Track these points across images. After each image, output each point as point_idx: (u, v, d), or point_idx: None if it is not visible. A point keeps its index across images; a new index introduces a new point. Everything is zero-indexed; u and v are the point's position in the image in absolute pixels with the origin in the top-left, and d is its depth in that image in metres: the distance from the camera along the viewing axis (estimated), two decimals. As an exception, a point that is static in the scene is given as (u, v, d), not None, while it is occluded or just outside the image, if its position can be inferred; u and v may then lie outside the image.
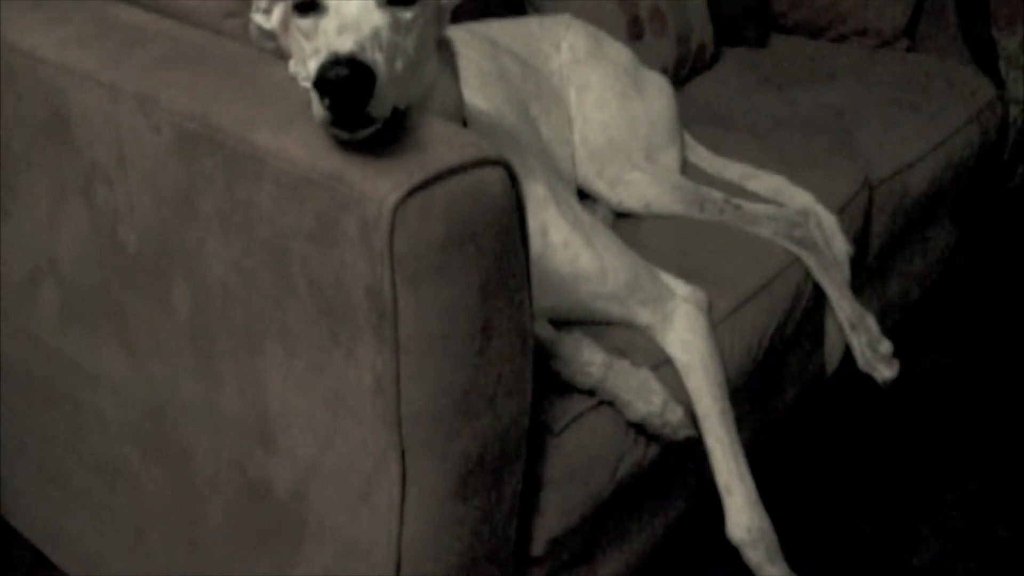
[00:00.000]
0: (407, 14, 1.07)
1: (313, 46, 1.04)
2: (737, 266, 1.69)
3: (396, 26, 1.05)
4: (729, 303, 1.61)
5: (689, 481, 1.61)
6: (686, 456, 1.50)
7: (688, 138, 2.02)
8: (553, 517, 1.32)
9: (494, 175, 1.01)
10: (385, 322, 0.99)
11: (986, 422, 2.30)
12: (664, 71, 2.17)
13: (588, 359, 1.34)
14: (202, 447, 1.26)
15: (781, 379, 1.87)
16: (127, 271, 1.24)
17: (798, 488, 2.00)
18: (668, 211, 1.78)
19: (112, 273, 1.27)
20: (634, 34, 2.14)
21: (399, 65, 1.02)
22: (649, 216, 1.79)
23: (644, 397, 1.38)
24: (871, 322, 1.75)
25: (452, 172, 0.97)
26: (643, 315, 1.47)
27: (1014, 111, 2.65)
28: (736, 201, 1.79)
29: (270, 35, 1.18)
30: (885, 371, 1.73)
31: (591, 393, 1.37)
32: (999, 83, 2.65)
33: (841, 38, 2.75)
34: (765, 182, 1.88)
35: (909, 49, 2.75)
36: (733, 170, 1.92)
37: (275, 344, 1.11)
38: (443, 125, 1.04)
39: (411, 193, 0.94)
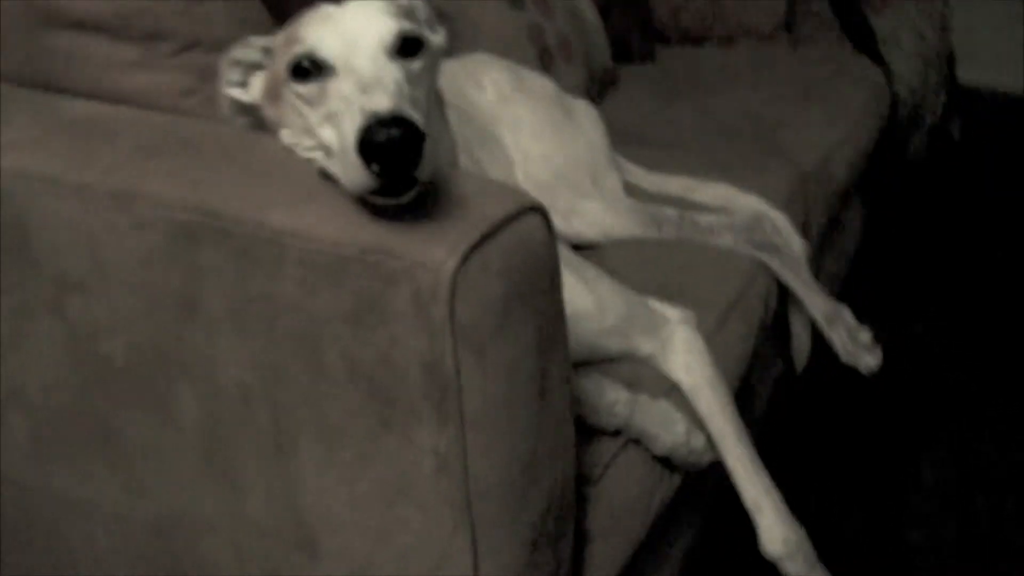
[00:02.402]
0: (416, 64, 1.01)
1: (323, 112, 0.96)
2: (708, 281, 1.67)
3: (410, 78, 0.98)
4: (712, 320, 1.58)
5: (705, 501, 1.57)
6: (704, 478, 1.46)
7: (619, 159, 1.99)
8: (601, 569, 1.25)
9: (536, 222, 0.95)
10: (448, 398, 0.91)
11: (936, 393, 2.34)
12: (576, 96, 2.14)
13: (613, 399, 1.28)
14: (226, 563, 1.15)
15: (751, 384, 1.85)
16: (114, 386, 1.13)
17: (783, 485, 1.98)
18: (627, 235, 1.74)
19: (95, 391, 1.15)
20: (545, 64, 2.11)
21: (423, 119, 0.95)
22: (608, 244, 1.75)
23: (668, 428, 1.33)
24: (847, 313, 1.75)
25: (501, 226, 0.90)
26: (644, 345, 1.43)
27: (900, 88, 2.72)
28: (691, 215, 1.77)
29: (247, 109, 1.09)
30: (869, 360, 1.73)
31: (615, 433, 1.31)
32: (881, 63, 2.73)
33: (725, 40, 2.79)
34: (710, 191, 1.86)
35: (791, 42, 2.80)
36: (674, 184, 1.90)
37: (311, 441, 1.02)
38: (470, 178, 0.98)
39: (468, 255, 0.87)
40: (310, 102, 0.98)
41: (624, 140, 2.13)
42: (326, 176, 0.96)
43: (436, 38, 1.13)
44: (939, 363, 2.40)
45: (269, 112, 1.08)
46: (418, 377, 0.92)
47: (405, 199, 0.88)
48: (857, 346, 1.74)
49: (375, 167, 0.85)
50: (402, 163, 0.85)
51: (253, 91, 1.10)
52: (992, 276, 2.80)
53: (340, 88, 0.94)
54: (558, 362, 1.01)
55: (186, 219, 0.99)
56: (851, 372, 1.78)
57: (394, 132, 0.84)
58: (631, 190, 1.90)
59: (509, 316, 0.91)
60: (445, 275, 0.86)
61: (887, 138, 2.66)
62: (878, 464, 2.12)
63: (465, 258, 0.86)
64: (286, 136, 1.04)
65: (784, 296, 1.82)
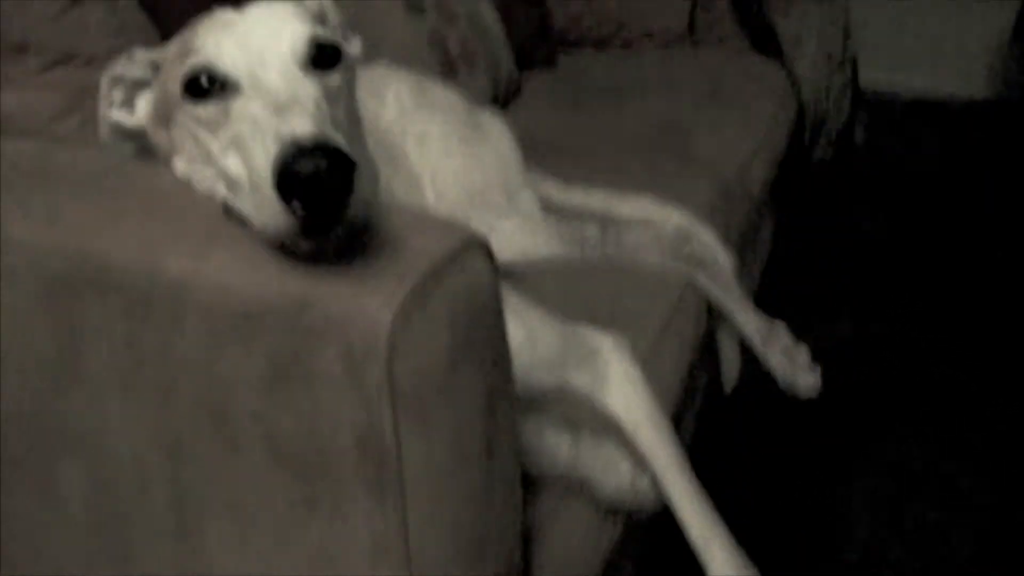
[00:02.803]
0: (334, 78, 0.87)
1: (226, 138, 0.81)
2: (638, 303, 1.56)
3: (328, 95, 0.84)
4: (645, 346, 1.47)
5: (646, 543, 1.46)
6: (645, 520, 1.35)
7: (532, 173, 1.87)
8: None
9: (481, 259, 0.82)
10: (386, 471, 0.78)
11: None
12: (480, 106, 2.02)
13: (554, 443, 1.16)
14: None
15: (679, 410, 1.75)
16: (-15, 464, 0.96)
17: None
18: (548, 256, 1.62)
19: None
20: (448, 73, 1.98)
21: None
22: (528, 266, 1.62)
23: (613, 469, 1.21)
24: (783, 330, 1.66)
25: (443, 267, 0.77)
26: (578, 378, 1.31)
27: (805, 92, 2.67)
28: (614, 231, 1.66)
29: (133, 134, 0.94)
30: (808, 379, 1.64)
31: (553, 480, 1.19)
32: (786, 66, 2.67)
33: (627, 44, 2.70)
34: (633, 205, 1.75)
35: (693, 46, 2.73)
36: (594, 198, 1.79)
37: (220, 523, 0.87)
38: (399, 210, 0.84)
39: (407, 305, 0.73)
40: (209, 126, 0.83)
41: (533, 151, 2.01)
42: (231, 214, 0.82)
43: (352, 48, 1.00)
44: (862, 376, 2.34)
45: (159, 138, 0.93)
46: (349, 450, 0.78)
47: (331, 240, 0.74)
48: (795, 366, 1.65)
49: (296, 205, 0.71)
50: (329, 199, 0.71)
51: (139, 113, 0.95)
52: (905, 284, 2.76)
53: (247, 109, 0.80)
54: (506, 416, 0.89)
55: (62, 269, 0.84)
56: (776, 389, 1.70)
57: (320, 162, 0.70)
58: (547, 206, 1.78)
59: (455, 373, 0.78)
60: (381, 330, 0.72)
61: (794, 143, 2.60)
62: (809, 483, 2.05)
63: (404, 308, 0.73)
64: (180, 166, 0.89)
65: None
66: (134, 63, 0.95)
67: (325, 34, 0.88)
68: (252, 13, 0.89)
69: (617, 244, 1.64)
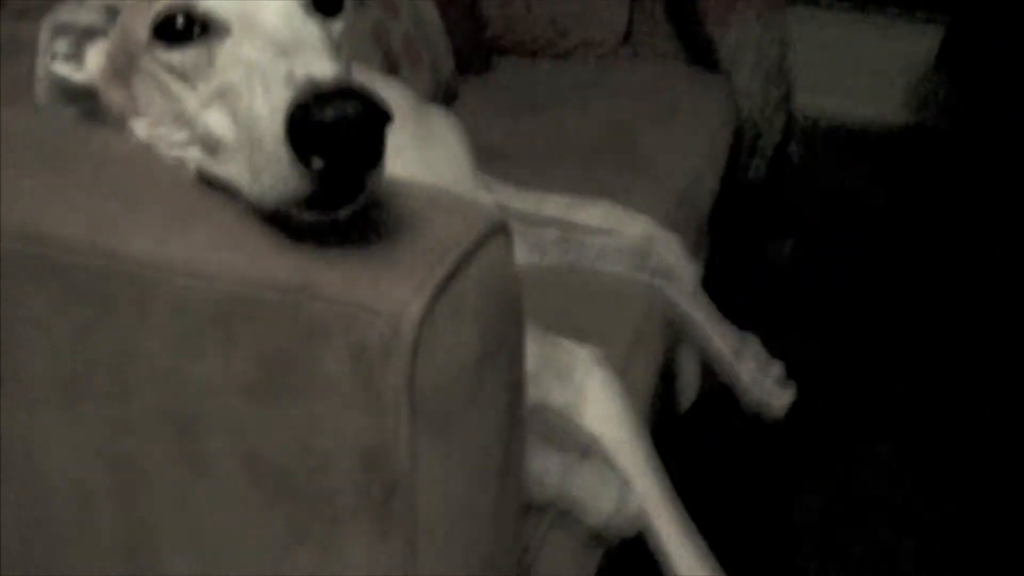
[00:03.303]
0: (338, 26, 0.74)
1: (210, 89, 0.67)
2: (605, 314, 1.45)
3: (333, 46, 0.71)
4: (618, 359, 1.36)
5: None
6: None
7: (485, 177, 1.75)
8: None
9: (505, 247, 0.69)
10: (396, 496, 0.65)
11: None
12: (421, 106, 1.89)
13: (542, 467, 1.04)
14: None
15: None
16: None
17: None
18: (506, 262, 1.50)
19: None
20: (391, 69, 1.85)
21: None
22: (485, 272, 1.50)
23: (601, 493, 1.10)
24: (755, 344, 1.56)
25: (473, 253, 0.64)
26: (557, 393, 1.19)
27: (743, 104, 2.61)
28: (575, 237, 1.55)
29: (79, 93, 0.79)
30: (782, 397, 1.55)
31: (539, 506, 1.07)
32: (725, 79, 2.61)
33: (563, 53, 2.60)
34: (594, 211, 1.64)
35: (630, 56, 2.65)
36: (551, 204, 1.67)
37: (180, 559, 0.72)
38: (412, 185, 0.71)
39: (438, 295, 0.60)
40: (187, 75, 0.69)
41: (481, 154, 1.90)
42: (208, 184, 0.68)
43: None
44: (808, 395, 2.27)
45: (114, 96, 0.78)
46: (352, 470, 0.64)
47: (344, 213, 0.61)
48: (768, 382, 1.55)
49: (317, 162, 0.57)
50: (358, 156, 0.58)
51: (90, 67, 0.80)
52: (847, 307, 2.72)
53: (240, 52, 0.66)
54: (520, 431, 0.76)
55: (5, 248, 0.69)
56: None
57: (348, 107, 0.57)
58: (502, 211, 1.66)
59: (482, 377, 0.65)
60: (406, 324, 0.59)
61: (731, 159, 2.53)
62: (758, 503, 1.96)
63: (433, 299, 0.60)
64: (141, 128, 0.74)
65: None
66: (83, 7, 0.80)
67: None
68: None
69: (579, 251, 1.54)
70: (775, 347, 2.43)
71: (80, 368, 0.69)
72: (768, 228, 3.00)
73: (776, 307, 2.66)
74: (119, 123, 0.77)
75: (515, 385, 0.70)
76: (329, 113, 0.56)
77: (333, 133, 0.57)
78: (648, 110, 2.21)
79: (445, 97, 2.14)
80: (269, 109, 0.59)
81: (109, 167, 0.71)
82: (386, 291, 0.60)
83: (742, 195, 2.75)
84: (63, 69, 0.80)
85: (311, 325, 0.61)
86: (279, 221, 0.62)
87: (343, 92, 0.57)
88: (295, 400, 0.64)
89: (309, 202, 0.59)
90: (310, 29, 0.68)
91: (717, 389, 1.66)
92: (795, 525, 1.94)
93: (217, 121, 0.65)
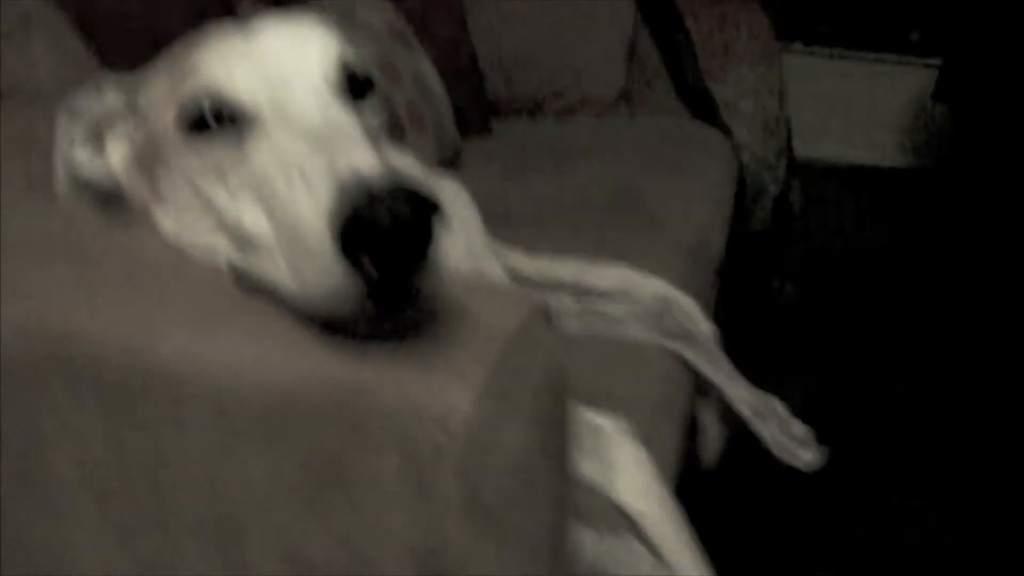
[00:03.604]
0: (368, 112, 0.72)
1: (242, 183, 0.65)
2: (627, 381, 1.42)
3: (366, 132, 0.68)
4: (641, 428, 1.33)
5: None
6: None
7: (496, 243, 1.73)
8: None
9: (550, 331, 0.67)
10: (449, 600, 0.61)
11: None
12: (426, 171, 1.87)
13: (576, 543, 1.00)
14: None
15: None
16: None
17: None
18: (523, 330, 1.47)
19: None
20: (396, 135, 1.84)
21: None
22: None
23: (635, 569, 1.07)
24: (776, 405, 1.54)
25: (521, 343, 0.62)
26: (586, 467, 1.16)
27: (744, 156, 2.61)
28: (590, 304, 1.52)
29: (99, 183, 0.76)
30: (806, 455, 1.52)
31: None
32: (725, 132, 2.61)
33: (562, 112, 2.59)
34: (607, 275, 1.62)
35: (629, 112, 2.64)
36: (564, 268, 1.65)
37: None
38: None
39: (490, 391, 0.58)
40: (216, 169, 0.67)
41: (487, 218, 1.88)
42: (242, 281, 0.65)
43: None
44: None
45: (137, 187, 0.75)
46: (402, 573, 0.61)
47: (408, 317, 0.58)
48: (792, 441, 1.52)
49: (368, 264, 0.55)
50: (413, 256, 0.55)
51: (110, 155, 0.77)
52: (852, 347, 2.69)
53: (274, 144, 0.63)
54: (569, 515, 0.73)
55: (19, 352, 0.66)
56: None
57: (400, 205, 0.54)
58: (514, 277, 1.64)
59: (536, 470, 0.62)
60: (459, 423, 0.57)
61: (735, 211, 2.52)
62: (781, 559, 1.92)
63: (486, 395, 0.57)
64: (167, 219, 0.72)
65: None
66: (103, 94, 0.78)
67: (359, 57, 0.73)
68: (268, 25, 0.73)
69: (594, 316, 1.51)
70: (785, 391, 2.42)
71: (113, 473, 0.66)
72: (771, 273, 2.98)
73: (782, 349, 2.64)
74: (143, 214, 0.74)
75: (565, 472, 0.67)
76: (381, 213, 0.53)
77: (387, 233, 0.54)
78: (652, 166, 2.20)
79: (449, 161, 2.12)
80: (312, 208, 0.56)
81: (137, 262, 0.69)
82: (436, 391, 0.57)
83: (745, 244, 2.73)
84: (82, 155, 0.77)
85: (359, 426, 0.58)
86: (328, 322, 0.59)
87: (392, 187, 0.55)
88: (343, 503, 0.61)
89: (368, 300, 0.56)
90: (344, 115, 0.66)
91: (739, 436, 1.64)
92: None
93: (251, 216, 0.63)
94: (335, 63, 0.70)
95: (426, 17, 2.25)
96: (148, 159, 0.73)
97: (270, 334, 0.61)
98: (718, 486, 1.88)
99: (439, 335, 0.60)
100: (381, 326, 0.58)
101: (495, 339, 0.60)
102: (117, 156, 0.77)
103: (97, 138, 0.78)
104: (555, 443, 0.65)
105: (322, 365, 0.59)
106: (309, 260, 0.56)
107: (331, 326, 0.59)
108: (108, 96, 0.78)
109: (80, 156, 0.77)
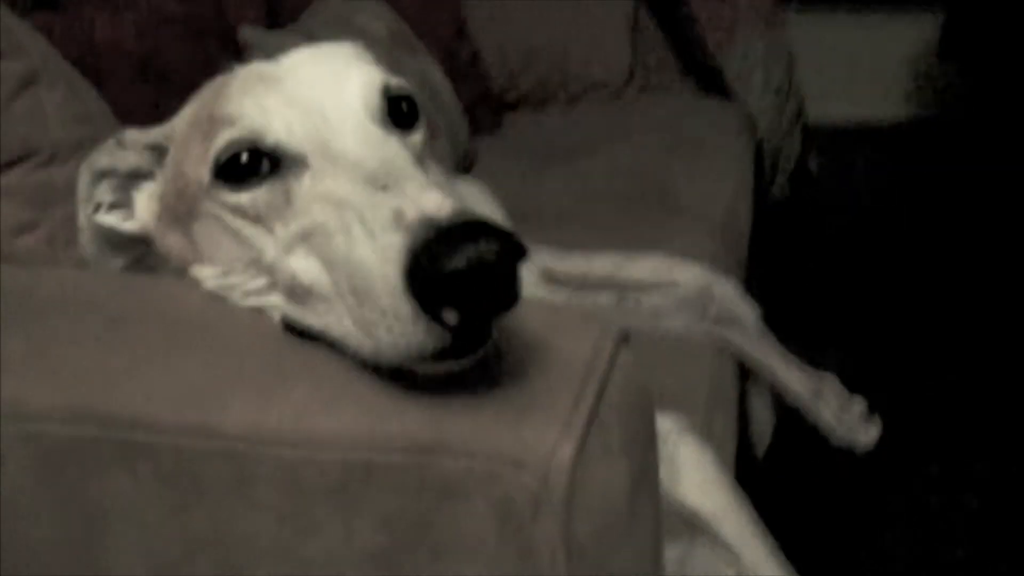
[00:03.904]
0: (416, 138, 0.67)
1: (289, 231, 0.60)
2: (676, 375, 1.37)
3: (416, 162, 0.64)
4: (699, 422, 1.29)
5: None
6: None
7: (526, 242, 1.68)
8: None
9: (630, 353, 0.62)
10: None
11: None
12: (444, 176, 1.83)
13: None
14: None
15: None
16: None
17: None
18: (563, 332, 1.43)
19: None
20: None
21: None
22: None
23: (714, 570, 1.03)
24: (834, 383, 1.49)
25: (608, 376, 0.57)
26: (650, 472, 1.11)
27: (760, 125, 2.56)
28: (630, 298, 1.48)
29: (127, 242, 0.72)
30: (868, 433, 1.47)
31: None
32: (738, 104, 2.56)
33: (570, 100, 2.55)
34: (643, 266, 1.57)
35: (636, 93, 2.59)
36: (598, 263, 1.60)
37: None
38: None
39: (587, 434, 0.53)
40: (261, 217, 0.62)
41: (511, 218, 1.84)
42: (300, 334, 0.61)
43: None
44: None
45: (171, 242, 0.71)
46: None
47: (473, 359, 0.54)
48: (851, 419, 1.47)
49: (450, 315, 0.50)
50: (497, 301, 0.51)
51: (140, 213, 0.72)
52: (893, 316, 2.64)
53: (326, 187, 0.59)
54: (663, 541, 0.69)
55: (66, 434, 0.61)
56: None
57: (483, 249, 0.50)
58: (549, 278, 1.60)
59: (636, 509, 0.58)
60: (560, 471, 0.52)
61: (756, 180, 2.47)
62: (841, 541, 1.87)
63: (584, 438, 0.53)
64: (207, 276, 0.67)
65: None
66: (126, 149, 0.73)
67: (399, 82, 0.68)
68: (300, 60, 0.68)
69: (636, 312, 1.46)
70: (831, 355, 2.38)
71: (178, 553, 0.62)
72: (795, 241, 2.93)
73: (811, 319, 2.59)
74: (178, 272, 0.70)
75: (657, 494, 0.63)
76: (460, 260, 0.49)
77: (467, 281, 0.49)
78: (669, 148, 2.15)
79: (465, 162, 2.08)
80: (379, 258, 0.52)
81: (182, 327, 0.64)
82: (529, 437, 0.53)
83: (768, 214, 2.68)
84: (109, 220, 0.73)
85: (444, 484, 0.54)
86: (393, 373, 0.55)
87: (468, 229, 0.50)
88: (431, 564, 0.56)
89: (435, 355, 0.52)
90: (395, 148, 0.62)
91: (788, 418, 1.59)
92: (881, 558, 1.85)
93: (305, 267, 0.58)
94: (378, 93, 0.66)
95: (425, 18, 2.20)
96: (182, 215, 0.68)
97: (340, 394, 0.57)
98: (769, 472, 1.84)
99: (515, 372, 0.56)
100: (456, 368, 0.53)
101: (574, 369, 0.56)
102: (147, 215, 0.72)
103: (125, 196, 0.73)
104: (648, 467, 0.61)
105: (402, 424, 0.54)
106: (380, 314, 0.52)
107: (400, 371, 0.55)
108: (132, 151, 0.73)
109: (107, 218, 0.73)
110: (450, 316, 0.50)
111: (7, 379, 0.63)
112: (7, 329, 0.64)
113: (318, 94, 0.64)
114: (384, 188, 0.55)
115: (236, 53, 1.67)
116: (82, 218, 0.73)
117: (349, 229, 0.54)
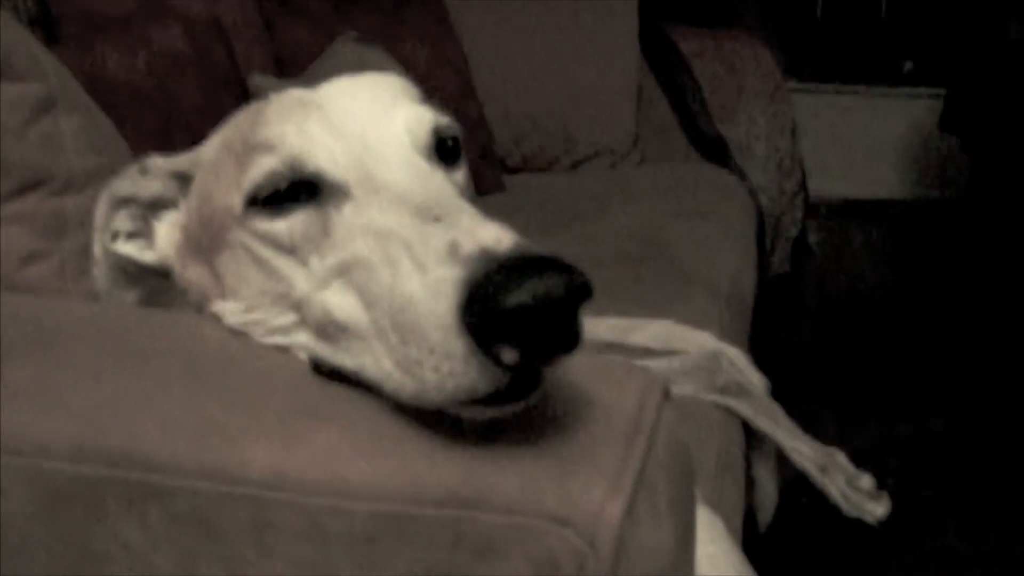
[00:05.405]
0: (459, 177, 0.65)
1: (326, 264, 0.57)
2: (684, 441, 1.34)
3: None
4: (708, 490, 1.25)
5: None
6: None
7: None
8: None
9: (670, 407, 0.59)
10: None
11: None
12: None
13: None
14: None
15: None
16: None
17: None
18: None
19: None
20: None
21: None
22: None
23: None
24: (841, 458, 1.46)
25: (653, 430, 0.54)
26: (662, 541, 1.08)
27: (763, 199, 2.55)
28: (641, 364, 1.44)
29: (143, 275, 0.68)
30: (876, 509, 1.43)
31: None
32: (740, 175, 2.55)
33: (574, 165, 2.54)
34: (651, 331, 1.55)
35: (639, 160, 2.59)
36: (605, 328, 1.57)
37: None
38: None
39: (636, 491, 0.50)
40: (295, 248, 0.59)
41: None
42: (328, 375, 0.57)
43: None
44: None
45: (193, 274, 0.67)
46: None
47: (521, 405, 0.51)
48: (859, 494, 1.44)
49: (510, 355, 0.47)
50: (562, 337, 0.48)
51: (160, 244, 0.69)
52: (892, 388, 2.62)
53: (370, 218, 0.56)
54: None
55: (71, 473, 0.58)
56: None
57: (554, 283, 0.46)
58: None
59: (678, 564, 0.54)
60: (605, 531, 0.49)
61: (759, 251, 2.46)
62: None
63: (634, 496, 0.49)
64: (230, 312, 0.63)
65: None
66: (149, 176, 0.70)
67: (449, 121, 0.66)
68: (341, 88, 0.66)
69: (643, 376, 1.43)
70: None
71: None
72: (793, 315, 2.92)
73: (808, 390, 2.56)
74: (200, 306, 0.66)
75: (693, 556, 0.60)
76: (525, 294, 0.46)
77: (530, 318, 0.46)
78: (673, 213, 2.13)
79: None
80: (431, 292, 0.49)
81: (202, 361, 0.61)
82: (575, 493, 0.49)
83: (766, 289, 2.67)
84: (127, 249, 0.69)
85: (482, 541, 0.50)
86: (429, 419, 0.52)
87: (532, 263, 0.47)
88: (460, 630, 0.52)
89: (485, 398, 0.49)
90: (443, 184, 0.59)
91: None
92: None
93: (341, 302, 0.55)
94: (428, 129, 0.64)
95: (432, 73, 2.20)
96: (206, 246, 0.65)
97: (373, 439, 0.53)
98: (773, 541, 1.80)
99: (558, 423, 0.53)
100: (503, 414, 0.50)
101: (621, 423, 0.53)
102: (168, 245, 0.69)
103: (143, 227, 0.70)
104: (691, 530, 0.57)
105: (438, 473, 0.51)
106: (428, 352, 0.48)
107: (437, 416, 0.51)
108: (154, 179, 0.70)
109: (127, 249, 0.69)
110: (510, 355, 0.47)
111: (9, 410, 0.59)
112: (10, 357, 0.60)
113: (361, 123, 0.62)
114: (436, 220, 0.52)
115: (245, 99, 1.65)
116: (97, 247, 0.70)
117: (396, 262, 0.51)
